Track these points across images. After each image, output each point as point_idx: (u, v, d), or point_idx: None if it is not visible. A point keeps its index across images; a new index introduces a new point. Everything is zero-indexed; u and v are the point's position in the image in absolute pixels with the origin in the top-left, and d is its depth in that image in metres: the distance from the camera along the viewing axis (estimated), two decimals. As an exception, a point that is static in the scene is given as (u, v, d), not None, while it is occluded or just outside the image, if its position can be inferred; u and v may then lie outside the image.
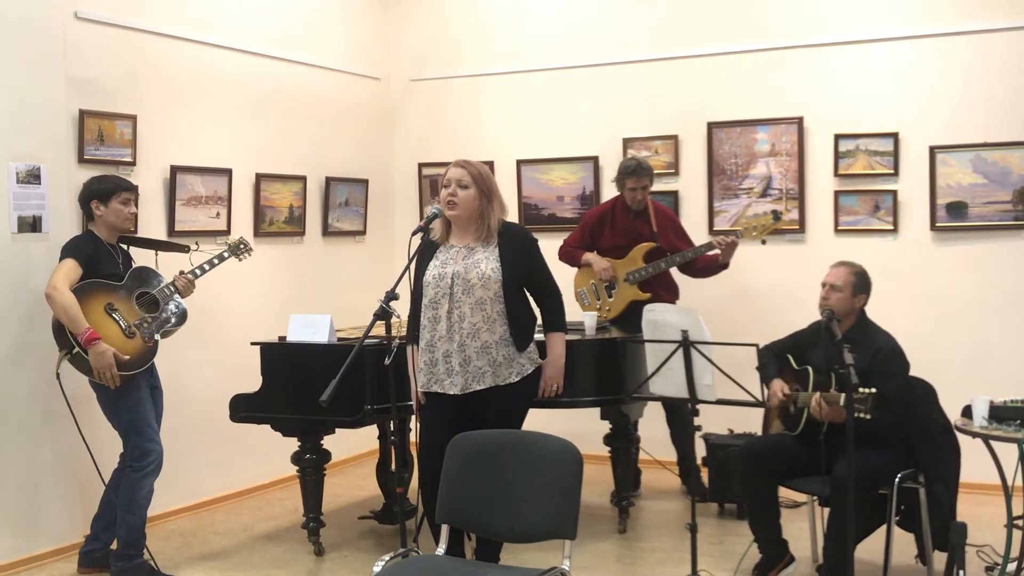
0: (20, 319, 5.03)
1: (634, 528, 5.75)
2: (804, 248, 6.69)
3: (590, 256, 6.21)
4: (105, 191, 4.91)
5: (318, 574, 5.13)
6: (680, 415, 6.05)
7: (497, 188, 4.39)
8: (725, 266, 6.09)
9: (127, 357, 4.78)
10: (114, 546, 4.98)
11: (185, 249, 5.30)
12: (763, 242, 5.80)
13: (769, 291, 6.25)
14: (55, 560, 5.24)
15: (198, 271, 5.18)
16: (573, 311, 6.25)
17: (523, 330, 4.27)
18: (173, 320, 5.07)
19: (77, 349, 4.70)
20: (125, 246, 5.11)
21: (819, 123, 6.72)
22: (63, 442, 5.10)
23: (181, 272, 5.11)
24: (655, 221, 6.17)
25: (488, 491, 3.59)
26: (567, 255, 6.37)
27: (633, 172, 6.07)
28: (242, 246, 5.42)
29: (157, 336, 4.99)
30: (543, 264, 4.47)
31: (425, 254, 4.29)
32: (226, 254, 5.33)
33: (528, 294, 4.45)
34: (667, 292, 6.21)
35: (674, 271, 6.23)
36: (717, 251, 5.98)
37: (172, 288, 5.05)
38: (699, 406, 4.40)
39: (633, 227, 6.16)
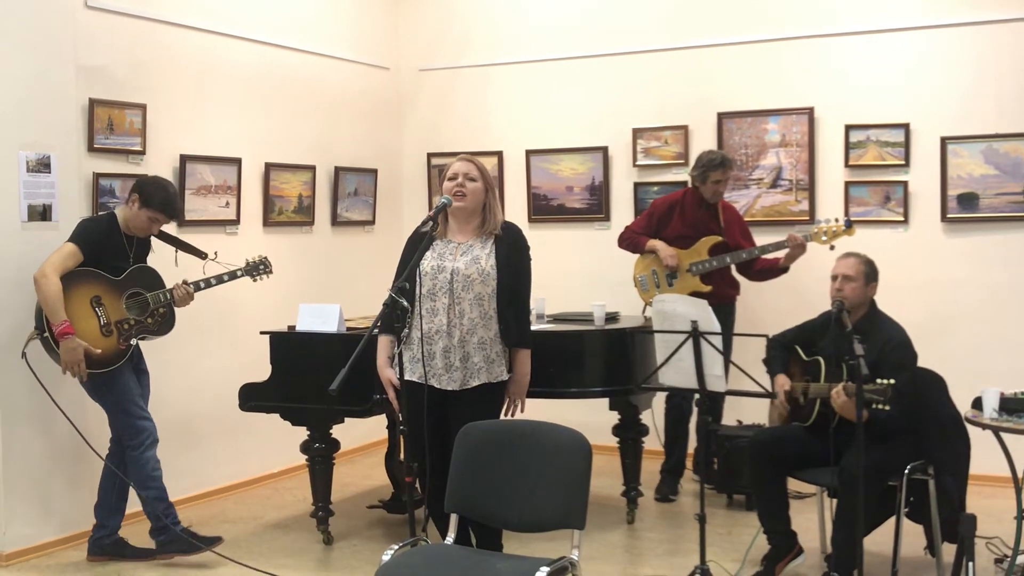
0: (29, 308, 5.02)
1: (642, 519, 5.76)
2: (814, 239, 6.68)
3: (656, 243, 6.17)
4: (150, 200, 4.86)
5: (327, 563, 5.14)
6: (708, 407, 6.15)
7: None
8: (785, 270, 6.12)
9: (99, 351, 4.77)
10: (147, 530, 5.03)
11: (203, 256, 5.26)
12: (832, 247, 5.75)
13: (778, 281, 6.23)
14: (65, 548, 5.26)
15: (202, 284, 5.14)
16: (621, 296, 6.37)
17: (510, 327, 4.25)
18: (154, 329, 5.04)
19: (47, 333, 4.71)
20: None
21: (830, 113, 6.69)
22: (71, 430, 5.11)
23: (184, 281, 5.07)
24: (723, 217, 6.19)
25: (497, 481, 3.60)
26: (629, 241, 6.32)
27: (720, 165, 6.06)
28: (262, 267, 5.37)
29: (134, 341, 4.97)
30: (527, 274, 4.38)
31: (420, 243, 4.25)
32: (240, 273, 5.29)
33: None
34: (730, 287, 6.25)
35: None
36: (781, 252, 6.01)
37: (167, 296, 5.01)
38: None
39: (702, 220, 6.16)
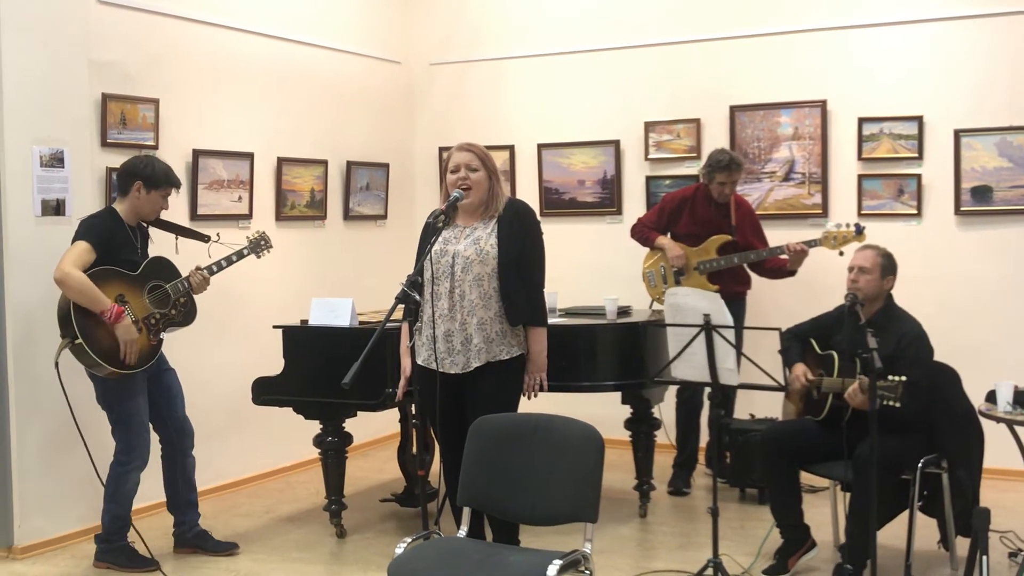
0: (43, 302, 5.05)
1: (655, 512, 5.75)
2: (827, 232, 6.65)
3: (664, 240, 6.15)
4: (155, 179, 4.83)
5: (340, 556, 5.16)
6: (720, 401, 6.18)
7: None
8: (792, 273, 6.08)
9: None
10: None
11: (205, 239, 5.24)
12: (841, 253, 5.74)
13: (790, 279, 6.21)
14: (78, 541, 5.29)
15: (215, 267, 5.11)
16: (633, 290, 6.34)
17: (516, 305, 4.24)
18: (180, 320, 5.03)
19: (80, 339, 4.62)
20: (146, 225, 5.03)
21: (843, 106, 6.67)
22: (85, 424, 5.11)
23: (197, 268, 5.04)
24: (735, 215, 6.15)
25: (510, 474, 3.60)
26: (640, 235, 6.30)
27: (725, 167, 6.00)
28: (263, 243, 5.35)
29: (163, 335, 4.94)
30: (535, 249, 4.36)
31: (430, 235, 4.27)
32: (246, 251, 5.26)
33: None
34: (739, 284, 6.21)
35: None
36: (787, 256, 5.98)
37: (186, 284, 4.99)
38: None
39: (712, 218, 6.12)
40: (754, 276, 6.28)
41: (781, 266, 6.09)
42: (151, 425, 5.04)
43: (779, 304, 6.41)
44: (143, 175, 4.84)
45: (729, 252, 6.08)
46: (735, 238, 6.10)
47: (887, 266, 4.68)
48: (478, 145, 4.34)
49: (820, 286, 6.01)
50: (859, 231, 5.84)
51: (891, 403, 4.14)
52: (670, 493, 6.14)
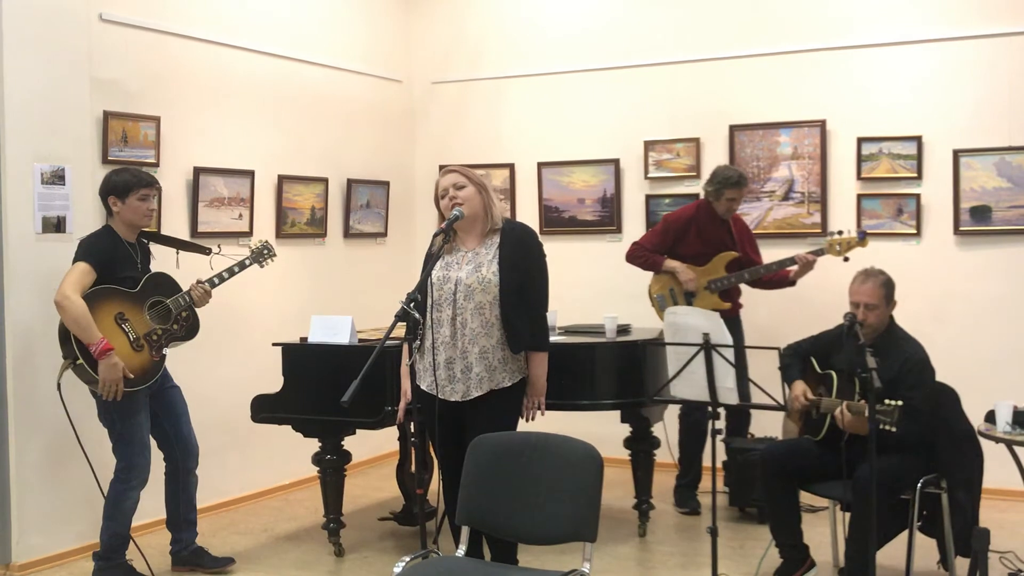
0: (44, 319, 5.05)
1: (654, 531, 5.74)
2: (826, 251, 6.65)
3: (676, 264, 6.09)
4: (123, 186, 4.79)
5: (338, 575, 5.14)
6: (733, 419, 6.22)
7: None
8: (793, 283, 6.11)
9: (132, 376, 4.69)
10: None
11: (207, 251, 5.23)
12: (846, 259, 5.75)
13: (791, 293, 6.22)
14: (77, 558, 5.28)
15: (216, 280, 5.08)
16: (633, 309, 6.33)
17: (518, 333, 4.23)
18: (183, 335, 5.01)
19: (81, 359, 4.62)
20: (146, 241, 5.03)
21: (842, 126, 6.69)
22: (85, 440, 5.11)
23: (198, 281, 5.02)
24: (735, 230, 6.18)
25: (508, 493, 3.59)
26: (643, 259, 6.20)
27: (735, 184, 6.03)
28: (265, 251, 5.32)
29: (166, 351, 4.92)
30: (538, 274, 4.33)
31: (431, 258, 4.26)
32: (248, 261, 5.23)
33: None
34: (739, 298, 6.26)
35: None
36: (794, 267, 5.99)
37: (187, 298, 4.96)
38: (721, 410, 4.38)
39: (718, 236, 6.13)
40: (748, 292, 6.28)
41: (783, 277, 6.11)
42: (154, 442, 5.03)
43: (776, 323, 6.41)
44: (111, 189, 4.82)
45: (735, 268, 6.09)
46: (738, 254, 6.12)
47: (889, 295, 4.68)
48: (458, 165, 4.35)
49: (819, 302, 6.00)
50: (862, 237, 5.83)
51: (887, 427, 4.14)
52: (686, 513, 6.10)
